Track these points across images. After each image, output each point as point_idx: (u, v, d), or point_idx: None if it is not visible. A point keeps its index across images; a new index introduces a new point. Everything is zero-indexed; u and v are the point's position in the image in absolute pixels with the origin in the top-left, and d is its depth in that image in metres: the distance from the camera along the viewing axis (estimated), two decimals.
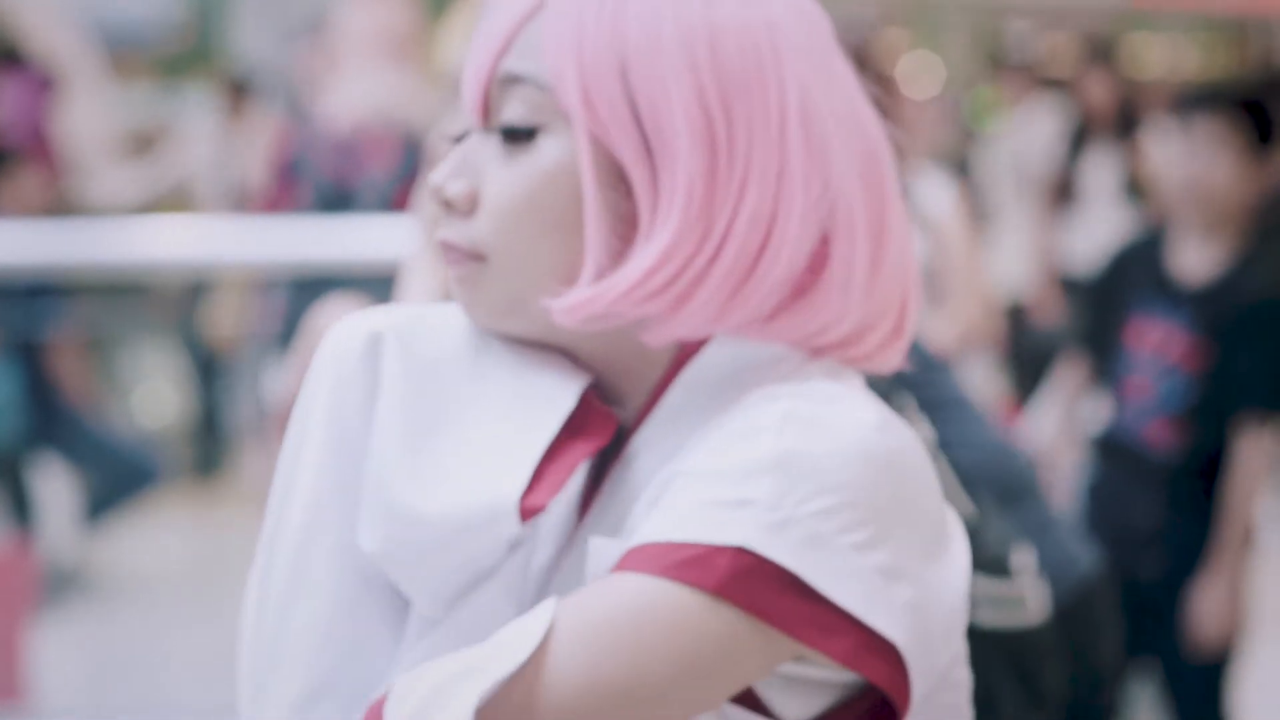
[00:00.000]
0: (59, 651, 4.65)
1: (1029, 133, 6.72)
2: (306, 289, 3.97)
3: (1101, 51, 6.83)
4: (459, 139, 1.14)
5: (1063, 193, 6.26)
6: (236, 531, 5.99)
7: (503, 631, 1.00)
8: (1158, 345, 3.22)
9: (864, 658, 1.01)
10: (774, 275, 1.07)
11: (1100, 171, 6.27)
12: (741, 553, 0.99)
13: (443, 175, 1.11)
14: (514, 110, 1.08)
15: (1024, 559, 1.73)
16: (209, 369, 6.56)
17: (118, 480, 5.24)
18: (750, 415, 1.04)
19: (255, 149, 6.27)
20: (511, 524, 1.03)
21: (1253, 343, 3.14)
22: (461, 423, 1.07)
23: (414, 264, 2.14)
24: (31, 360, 5.22)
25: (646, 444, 1.11)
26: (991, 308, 3.83)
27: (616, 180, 1.07)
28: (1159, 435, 3.19)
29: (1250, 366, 3.14)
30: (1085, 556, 2.11)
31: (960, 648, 1.09)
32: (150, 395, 7.26)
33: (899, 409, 1.73)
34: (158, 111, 7.68)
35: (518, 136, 1.08)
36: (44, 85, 6.43)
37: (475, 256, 1.10)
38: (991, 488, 1.91)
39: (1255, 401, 3.13)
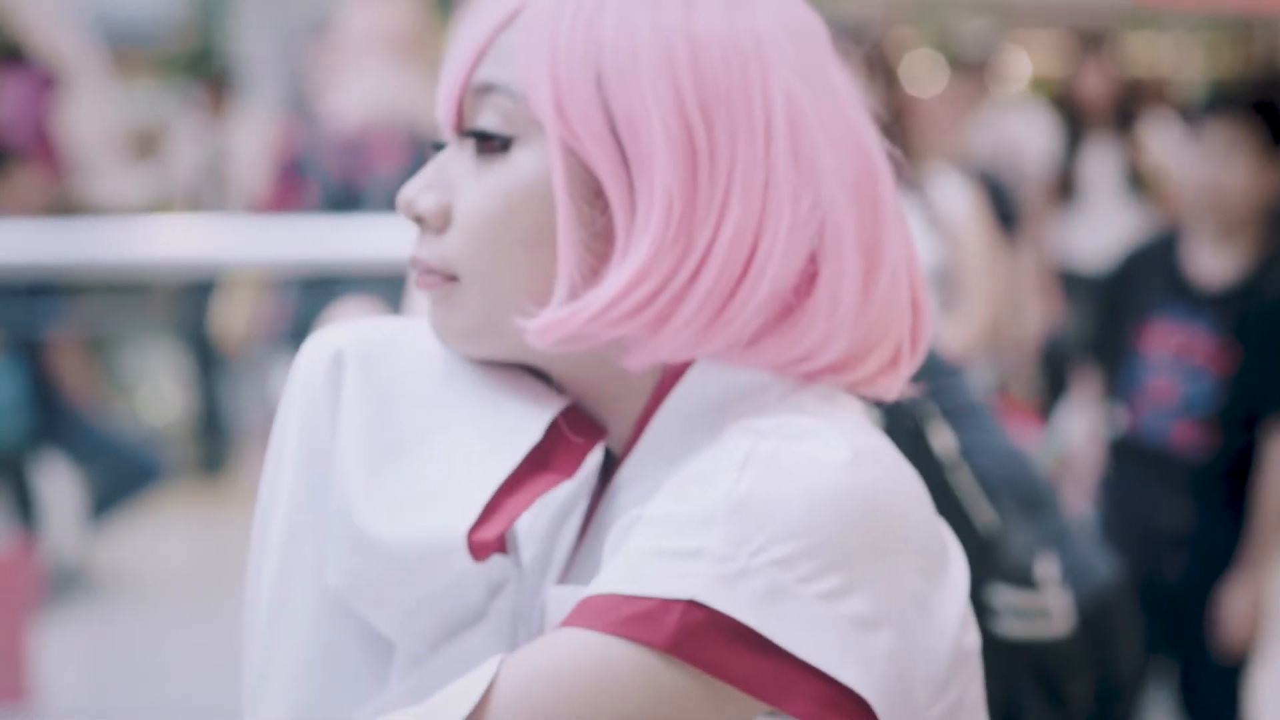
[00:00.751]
0: (63, 651, 4.63)
1: (1003, 132, 6.67)
2: (313, 289, 3.96)
3: (1095, 45, 6.80)
4: (436, 150, 1.10)
5: (1062, 190, 6.24)
6: (241, 531, 5.98)
7: (449, 686, 0.96)
8: (1180, 348, 3.20)
9: (831, 715, 0.95)
10: (758, 295, 1.02)
11: (1100, 167, 6.24)
12: (693, 606, 0.93)
13: (414, 189, 1.06)
14: (487, 120, 1.04)
15: (1048, 568, 1.70)
16: (213, 368, 6.54)
17: (121, 479, 5.22)
18: (713, 454, 0.99)
19: (243, 146, 6.24)
20: (462, 558, 0.98)
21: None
22: (423, 449, 1.02)
23: None
24: (34, 360, 5.20)
25: (629, 478, 1.06)
26: (1008, 311, 3.81)
27: (592, 194, 1.02)
28: (1185, 437, 3.17)
29: (1278, 368, 3.12)
30: (1104, 565, 2.09)
31: (967, 679, 1.03)
32: (153, 394, 7.24)
33: (924, 418, 1.70)
34: (160, 110, 7.65)
35: (491, 148, 1.04)
36: (46, 83, 6.41)
37: (447, 276, 1.05)
38: (1010, 496, 1.88)
39: None
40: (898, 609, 0.97)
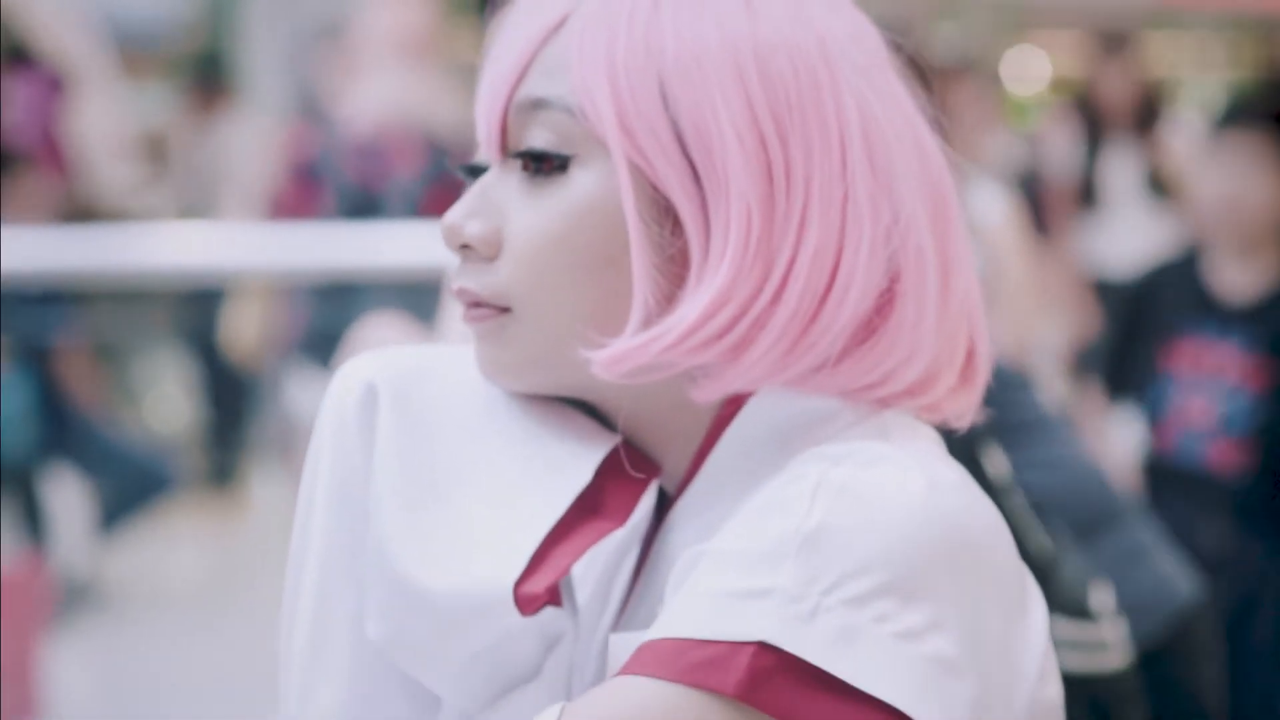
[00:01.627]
0: (73, 666, 4.61)
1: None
2: (330, 296, 3.92)
3: (1117, 46, 6.71)
4: (473, 173, 1.03)
5: (1083, 196, 6.14)
6: (252, 544, 6.05)
7: None
8: (1215, 367, 3.12)
9: None
10: (843, 317, 0.95)
11: (1122, 171, 6.16)
12: (764, 649, 0.87)
13: (458, 215, 0.99)
14: (539, 139, 0.97)
15: (1103, 598, 1.62)
16: (225, 378, 6.50)
17: (131, 489, 5.19)
18: (781, 484, 0.92)
19: (251, 150, 6.19)
20: (510, 612, 0.92)
21: None
22: (464, 492, 0.96)
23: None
24: (42, 368, 5.17)
25: (686, 515, 0.99)
26: (1047, 319, 3.75)
27: (660, 213, 0.95)
28: (1223, 458, 3.09)
29: None
30: (1185, 584, 2.00)
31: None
32: (163, 404, 7.21)
33: (978, 440, 1.62)
34: (168, 113, 7.61)
35: (544, 169, 0.97)
36: (53, 87, 6.38)
37: (500, 307, 0.98)
38: (1077, 514, 1.80)
39: None
40: (978, 651, 0.91)
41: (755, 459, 0.97)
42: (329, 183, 4.00)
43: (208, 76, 7.06)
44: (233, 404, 6.61)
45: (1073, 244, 5.99)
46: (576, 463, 0.97)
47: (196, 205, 6.59)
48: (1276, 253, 3.15)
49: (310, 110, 5.09)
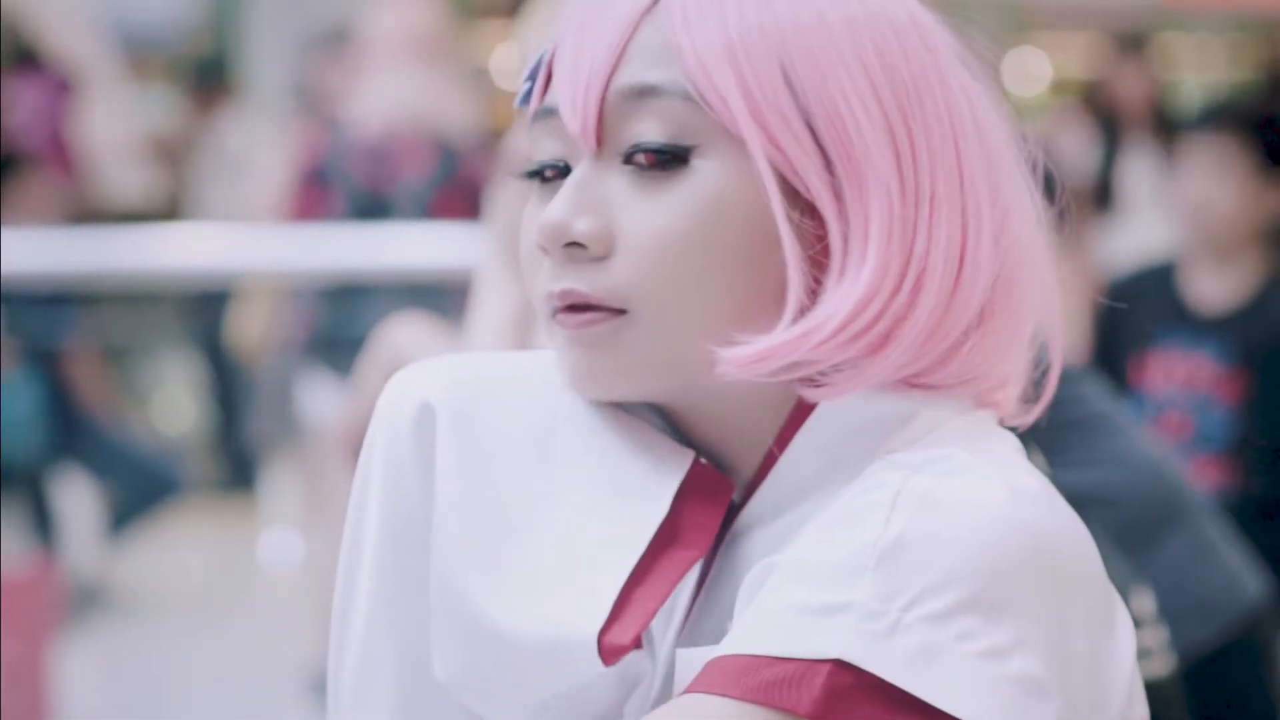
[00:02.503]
0: (83, 669, 4.57)
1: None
2: (339, 299, 3.91)
3: (1133, 47, 6.67)
4: (542, 173, 0.96)
5: (1100, 199, 6.11)
6: (262, 547, 6.04)
7: None
8: (1187, 379, 3.01)
9: None
10: (970, 308, 0.92)
11: (1140, 173, 6.13)
12: (840, 667, 0.83)
13: (564, 211, 0.92)
14: (652, 130, 0.91)
15: (1144, 604, 1.60)
16: (234, 380, 6.48)
17: (141, 492, 5.16)
18: (857, 493, 0.88)
19: (258, 152, 6.18)
20: (590, 661, 0.87)
21: None
22: (536, 524, 0.91)
23: (486, 279, 2.02)
24: (50, 371, 5.15)
25: (756, 520, 0.95)
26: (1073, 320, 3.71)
27: (794, 204, 0.90)
28: (1202, 475, 2.97)
29: None
30: (1252, 580, 1.95)
31: None
32: (172, 406, 7.20)
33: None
34: (175, 116, 7.60)
35: (662, 161, 0.91)
36: (61, 89, 6.38)
37: (614, 310, 0.92)
38: (1143, 510, 1.76)
39: None
40: (1065, 671, 0.86)
41: (828, 464, 0.93)
42: (337, 185, 3.98)
43: (214, 79, 7.03)
44: (241, 406, 6.59)
45: (1089, 247, 5.96)
46: (653, 487, 0.92)
47: (204, 207, 6.58)
48: (1252, 262, 3.04)
49: (317, 112, 5.08)
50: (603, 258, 0.92)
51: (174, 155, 7.02)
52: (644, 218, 0.92)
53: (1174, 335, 3.04)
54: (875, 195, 0.90)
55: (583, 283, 0.92)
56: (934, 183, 0.91)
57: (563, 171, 0.96)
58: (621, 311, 0.92)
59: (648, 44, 0.92)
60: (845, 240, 0.91)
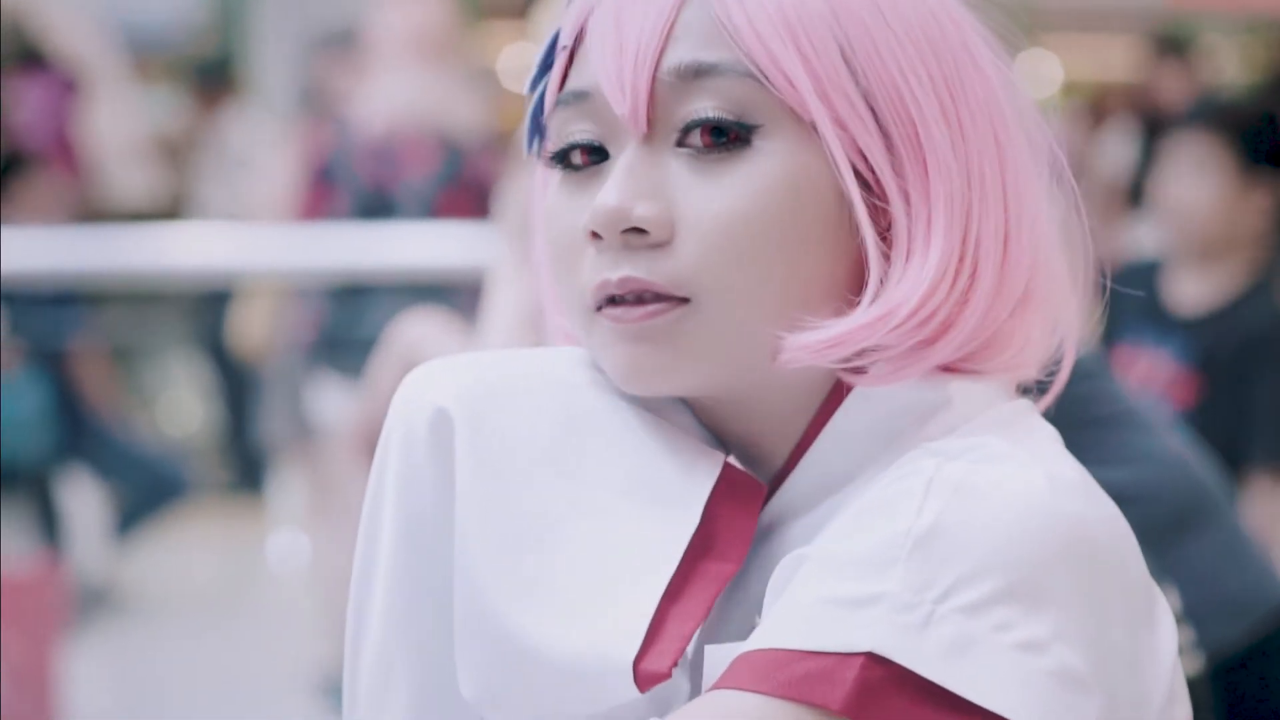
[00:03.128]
0: (89, 671, 4.55)
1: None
2: (344, 299, 3.90)
3: (1174, 47, 6.64)
4: (568, 158, 0.93)
5: (1134, 197, 6.09)
6: (269, 549, 6.03)
7: None
8: (1144, 374, 2.94)
9: None
10: (1017, 289, 0.91)
11: None
12: (873, 660, 0.80)
13: (621, 196, 0.89)
14: (711, 109, 0.89)
15: (1171, 603, 1.58)
16: (239, 381, 6.47)
17: (147, 493, 5.15)
18: (890, 480, 0.86)
19: (262, 152, 6.18)
20: (627, 689, 0.85)
21: (1254, 381, 2.85)
22: (563, 536, 0.88)
23: (497, 277, 2.00)
24: (56, 371, 5.13)
25: (786, 510, 0.93)
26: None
27: (858, 183, 0.89)
28: None
29: (1256, 409, 2.85)
30: None
31: None
32: (179, 407, 7.19)
33: None
34: (180, 116, 7.59)
35: (720, 143, 0.89)
36: (66, 88, 6.37)
37: (678, 298, 0.89)
38: (1170, 507, 1.74)
39: (1267, 449, 2.82)
40: (1105, 665, 0.84)
41: (861, 453, 0.91)
42: (342, 184, 3.97)
43: (218, 78, 7.03)
44: (248, 407, 6.58)
45: (1123, 244, 5.94)
46: (683, 494, 0.89)
47: (209, 206, 6.57)
48: (1235, 265, 2.98)
49: (322, 112, 5.08)
50: (663, 244, 0.89)
51: (179, 155, 7.02)
52: (708, 201, 0.89)
53: (1144, 331, 2.99)
54: (937, 175, 0.89)
55: (645, 269, 0.89)
56: (981, 163, 0.90)
57: (594, 154, 0.93)
58: (683, 301, 0.89)
59: (693, 23, 0.90)
60: (909, 221, 0.89)
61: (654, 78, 0.90)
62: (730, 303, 0.89)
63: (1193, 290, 3.01)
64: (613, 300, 0.90)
